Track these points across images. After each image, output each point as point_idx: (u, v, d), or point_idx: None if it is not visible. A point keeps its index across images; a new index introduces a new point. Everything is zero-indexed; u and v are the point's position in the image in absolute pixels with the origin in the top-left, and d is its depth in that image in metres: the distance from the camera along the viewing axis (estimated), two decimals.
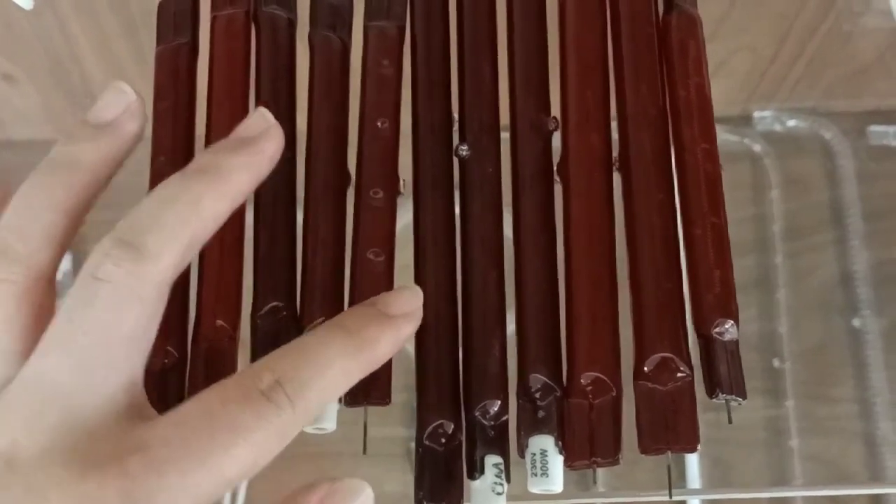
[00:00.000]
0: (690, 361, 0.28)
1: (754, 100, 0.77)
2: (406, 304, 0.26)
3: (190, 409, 0.22)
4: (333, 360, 0.24)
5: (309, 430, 0.28)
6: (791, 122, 0.78)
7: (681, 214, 0.30)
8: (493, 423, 0.28)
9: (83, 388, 0.22)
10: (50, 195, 0.25)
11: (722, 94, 0.77)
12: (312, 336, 0.24)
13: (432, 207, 0.29)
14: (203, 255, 0.29)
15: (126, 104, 0.27)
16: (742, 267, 0.74)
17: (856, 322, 0.72)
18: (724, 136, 0.78)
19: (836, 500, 0.66)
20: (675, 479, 0.67)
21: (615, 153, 0.30)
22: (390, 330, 0.26)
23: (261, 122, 0.26)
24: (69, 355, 0.22)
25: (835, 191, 0.77)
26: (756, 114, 0.78)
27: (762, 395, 0.70)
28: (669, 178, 0.30)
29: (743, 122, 0.78)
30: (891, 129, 0.77)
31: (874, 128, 0.77)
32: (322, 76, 0.31)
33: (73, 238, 0.25)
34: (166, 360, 0.28)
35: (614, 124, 0.31)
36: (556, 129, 0.31)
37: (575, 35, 0.31)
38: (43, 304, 0.24)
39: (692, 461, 0.67)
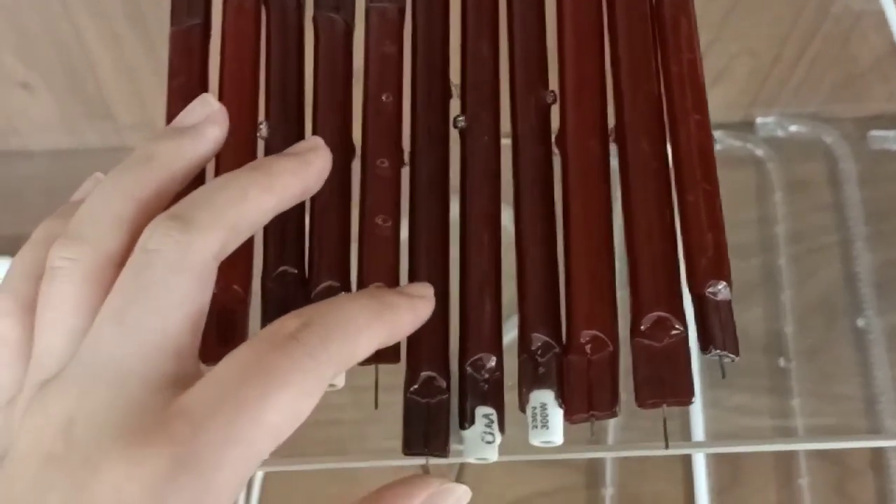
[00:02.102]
0: (685, 320, 0.29)
1: (756, 105, 0.78)
2: (420, 289, 0.28)
3: (224, 365, 0.23)
4: (358, 313, 0.25)
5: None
6: (793, 128, 0.79)
7: (675, 182, 0.31)
8: (485, 377, 0.29)
9: (133, 358, 0.23)
10: (122, 184, 0.26)
11: (724, 100, 0.78)
12: (335, 297, 0.26)
13: (428, 176, 0.30)
14: None
15: (209, 112, 0.28)
16: (747, 268, 0.75)
17: (860, 322, 0.73)
18: (727, 141, 0.79)
19: (840, 492, 0.66)
20: (682, 473, 0.67)
21: (611, 125, 0.32)
22: (408, 301, 0.27)
23: (311, 142, 0.28)
24: (120, 326, 0.23)
25: (837, 194, 0.78)
26: (758, 119, 0.79)
27: (768, 393, 0.71)
28: (664, 147, 0.31)
29: (746, 127, 0.79)
30: (891, 133, 0.78)
31: (875, 132, 0.78)
32: (327, 55, 0.32)
33: (143, 224, 0.26)
34: None
35: (610, 97, 0.32)
36: (553, 103, 0.32)
37: (572, 11, 0.32)
38: (110, 283, 0.25)
39: (699, 458, 0.68)
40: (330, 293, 0.30)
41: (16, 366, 0.26)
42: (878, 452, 0.68)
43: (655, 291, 0.29)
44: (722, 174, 0.82)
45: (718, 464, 0.67)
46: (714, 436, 0.68)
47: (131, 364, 0.23)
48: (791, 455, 0.69)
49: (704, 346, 0.28)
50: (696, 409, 0.69)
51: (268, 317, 0.30)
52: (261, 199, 0.26)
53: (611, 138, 0.31)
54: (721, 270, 0.29)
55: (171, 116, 0.32)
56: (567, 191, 0.31)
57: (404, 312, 0.27)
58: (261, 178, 0.26)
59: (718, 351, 0.28)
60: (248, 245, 0.30)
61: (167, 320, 0.24)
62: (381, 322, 0.26)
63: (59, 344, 0.24)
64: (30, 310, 0.26)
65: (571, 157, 0.31)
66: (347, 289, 0.30)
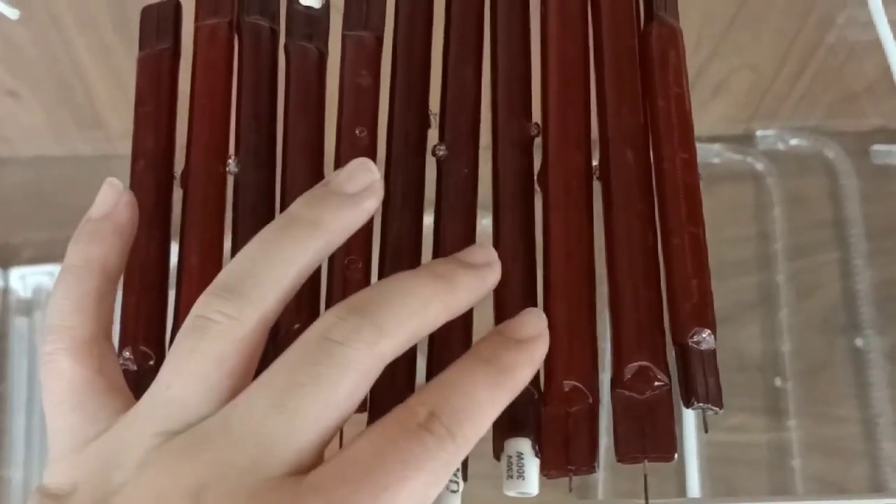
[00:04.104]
0: (668, 370, 0.28)
1: (757, 118, 0.77)
2: (532, 327, 0.27)
3: (357, 447, 0.23)
4: (479, 390, 0.24)
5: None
6: (794, 141, 0.78)
7: (660, 224, 0.29)
8: None
9: (281, 439, 0.23)
10: (287, 249, 0.25)
11: (724, 113, 0.77)
12: (454, 370, 0.25)
13: (400, 210, 0.29)
14: (183, 260, 0.29)
15: (370, 181, 0.27)
16: (744, 285, 0.74)
17: (858, 341, 0.71)
18: (726, 154, 0.78)
19: None
20: (676, 493, 0.66)
21: (595, 162, 0.30)
22: (524, 354, 0.26)
23: (489, 254, 0.27)
24: (280, 407, 0.23)
25: (838, 210, 0.76)
26: (759, 132, 0.78)
27: (764, 414, 0.70)
28: (649, 187, 0.30)
29: (746, 140, 0.78)
30: (894, 148, 0.77)
31: (877, 147, 0.77)
32: (298, 86, 0.31)
33: (293, 295, 0.26)
34: (146, 362, 0.29)
35: (595, 134, 0.31)
36: (537, 135, 0.31)
37: (557, 45, 0.31)
38: (256, 350, 0.25)
39: (693, 480, 0.67)
40: (296, 336, 0.29)
41: (86, 406, 0.25)
42: (876, 479, 0.67)
43: (638, 340, 0.28)
44: (720, 189, 0.81)
45: (714, 487, 0.66)
46: (709, 459, 0.67)
47: (278, 444, 0.23)
48: (787, 477, 0.67)
49: (686, 399, 0.27)
50: (691, 429, 0.68)
51: None
52: (439, 315, 0.25)
53: (595, 176, 0.30)
54: (706, 318, 0.28)
55: (137, 145, 0.31)
56: (548, 230, 0.30)
57: (521, 369, 0.26)
58: (444, 293, 0.25)
59: (701, 404, 0.27)
60: None
61: (327, 414, 0.23)
62: (502, 390, 0.25)
63: (193, 398, 0.24)
64: (90, 344, 0.26)
65: (553, 195, 0.30)
66: None
